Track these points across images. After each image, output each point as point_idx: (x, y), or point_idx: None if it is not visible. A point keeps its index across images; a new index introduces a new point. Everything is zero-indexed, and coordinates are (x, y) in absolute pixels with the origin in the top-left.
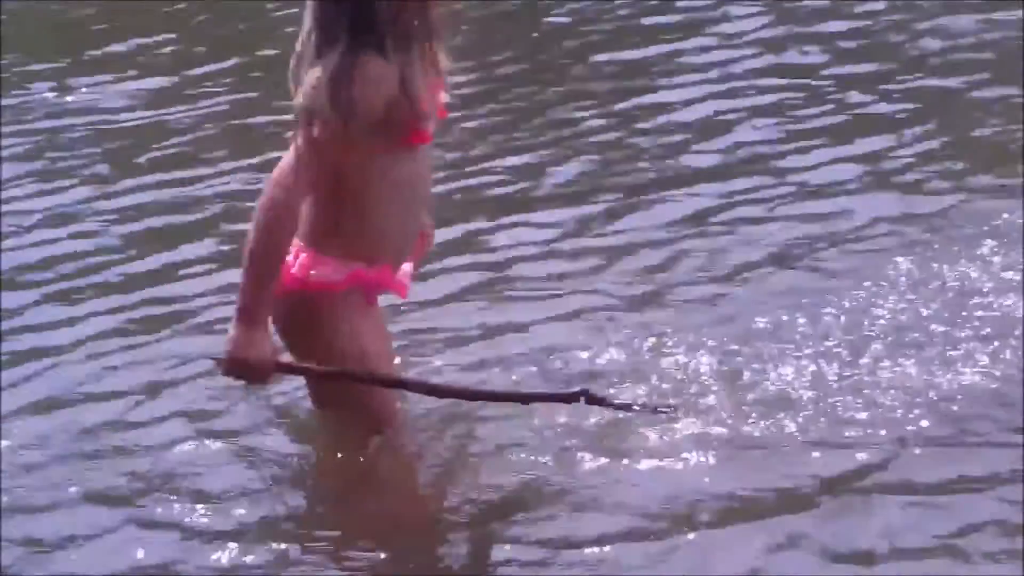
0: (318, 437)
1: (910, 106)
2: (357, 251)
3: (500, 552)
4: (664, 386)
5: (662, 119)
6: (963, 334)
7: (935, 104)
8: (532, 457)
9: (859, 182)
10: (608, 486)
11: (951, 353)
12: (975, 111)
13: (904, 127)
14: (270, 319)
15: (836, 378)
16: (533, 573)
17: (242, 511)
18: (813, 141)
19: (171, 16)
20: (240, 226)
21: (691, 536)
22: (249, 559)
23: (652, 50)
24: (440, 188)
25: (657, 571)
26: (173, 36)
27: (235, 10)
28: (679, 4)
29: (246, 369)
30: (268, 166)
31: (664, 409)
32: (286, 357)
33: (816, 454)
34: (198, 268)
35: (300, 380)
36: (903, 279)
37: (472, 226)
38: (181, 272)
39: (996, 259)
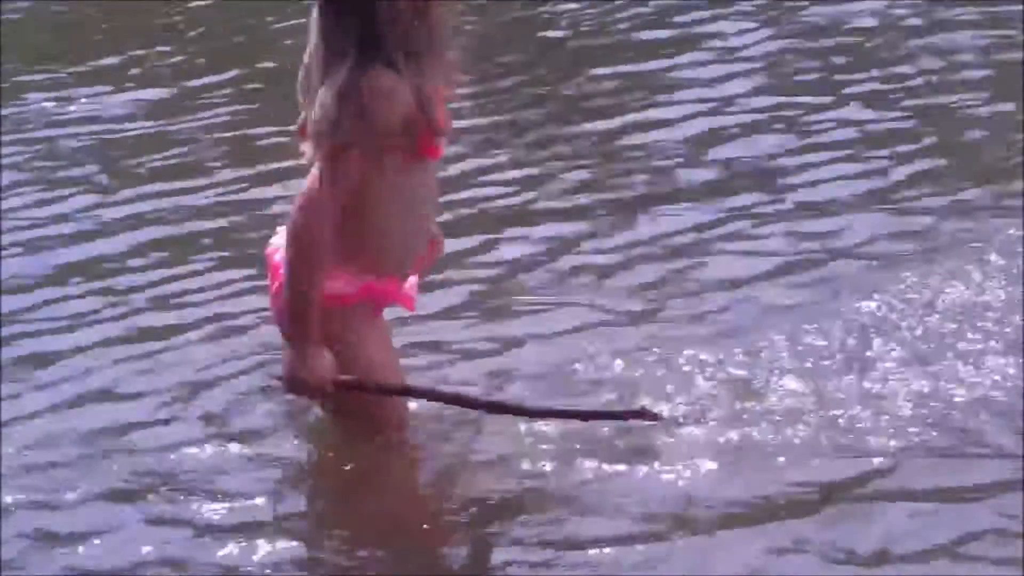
0: (323, 439)
1: (906, 122)
2: (367, 264)
3: (500, 553)
4: (667, 396)
5: (659, 133)
6: (964, 346)
7: (931, 120)
8: (533, 459)
9: (857, 197)
10: (609, 489)
11: (952, 364)
12: (971, 126)
13: (900, 143)
14: (278, 323)
15: (837, 388)
16: (533, 574)
17: (246, 510)
18: (810, 156)
19: (170, 27)
20: (240, 234)
21: (691, 539)
22: (253, 557)
23: (650, 64)
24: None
25: (658, 571)
26: (172, 47)
27: (234, 22)
28: (676, 19)
29: (305, 387)
30: (267, 177)
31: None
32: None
33: (816, 461)
34: (199, 277)
35: None
36: (902, 293)
37: (469, 239)
38: (181, 280)
39: (995, 273)
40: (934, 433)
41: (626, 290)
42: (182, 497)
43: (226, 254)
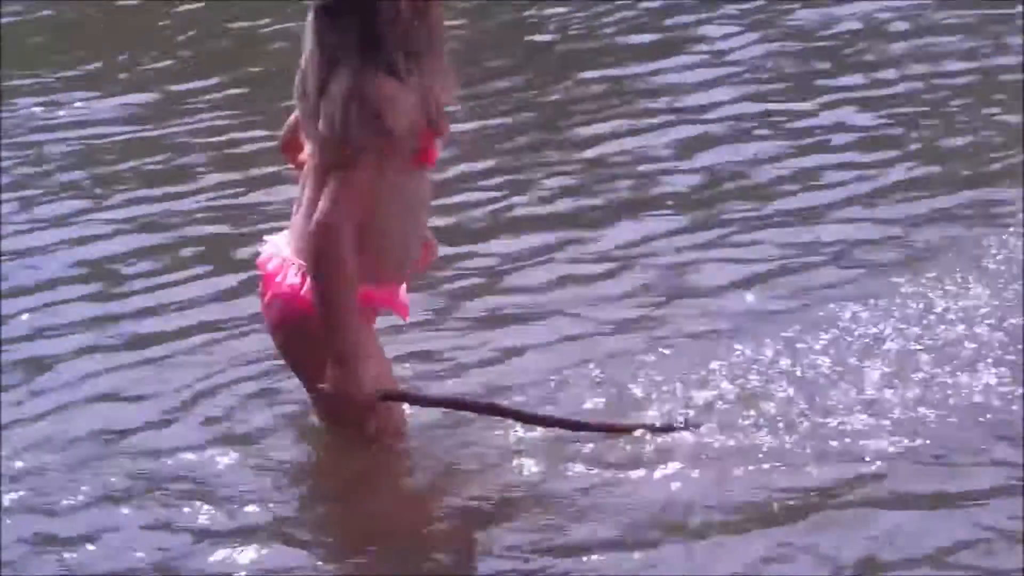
0: (320, 443)
1: (893, 127)
2: (365, 272)
3: (494, 558)
4: (657, 403)
5: (645, 138)
6: (958, 352)
7: (918, 125)
8: (527, 465)
9: (843, 202)
10: (601, 495)
11: (941, 370)
12: (958, 131)
13: (887, 148)
14: (272, 332)
15: (827, 394)
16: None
17: (244, 514)
18: (795, 162)
19: (160, 32)
20: (230, 239)
21: (682, 545)
22: (251, 561)
23: (636, 68)
24: None
25: (650, 575)
26: (161, 51)
27: (222, 25)
28: (663, 23)
29: (353, 401)
30: (257, 181)
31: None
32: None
33: (807, 467)
34: (191, 282)
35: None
36: (891, 298)
37: (454, 246)
38: (174, 285)
39: (983, 278)
40: (925, 440)
41: (613, 297)
42: (180, 500)
43: (216, 258)
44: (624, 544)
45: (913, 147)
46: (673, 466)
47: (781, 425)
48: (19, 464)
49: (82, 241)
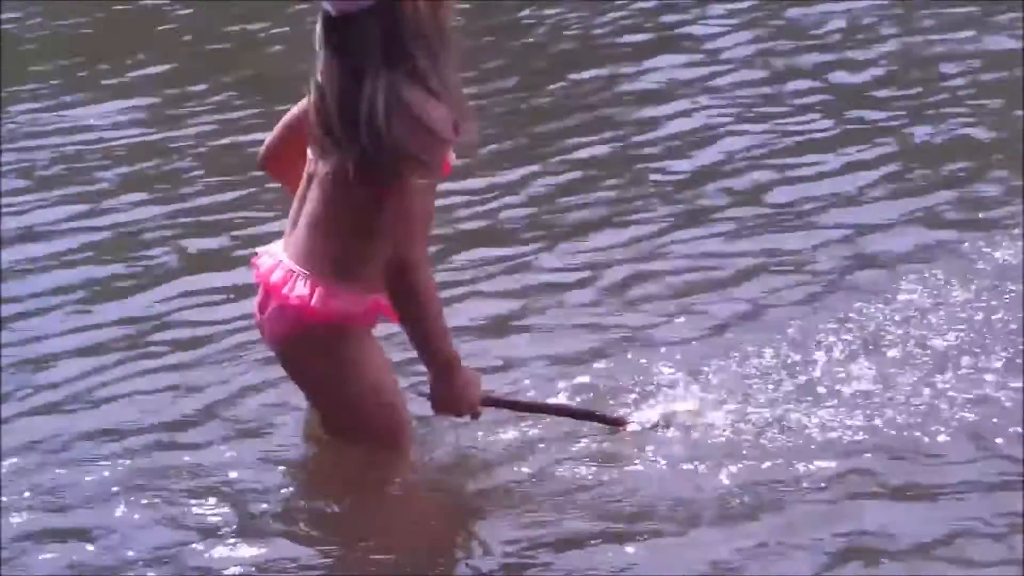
0: (320, 442)
1: (885, 124)
2: (378, 282)
3: (496, 551)
4: (648, 399)
5: (640, 136)
6: (949, 348)
7: (910, 122)
8: (529, 461)
9: (837, 198)
10: (599, 489)
11: (947, 366)
12: (949, 128)
13: (878, 145)
14: (276, 342)
15: (817, 389)
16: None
17: (244, 512)
18: (792, 159)
19: (159, 35)
20: (228, 241)
21: (665, 539)
22: (251, 558)
23: (629, 68)
24: None
25: (640, 570)
26: (158, 56)
27: (220, 30)
28: (658, 22)
29: (458, 409)
30: (256, 182)
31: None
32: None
33: (801, 462)
34: (189, 284)
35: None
36: (887, 294)
37: (445, 244)
38: (172, 286)
39: (977, 273)
40: (916, 432)
41: (608, 290)
42: (180, 499)
43: (214, 261)
44: (615, 537)
45: (903, 145)
46: (662, 462)
47: (768, 421)
48: (18, 461)
49: (84, 240)
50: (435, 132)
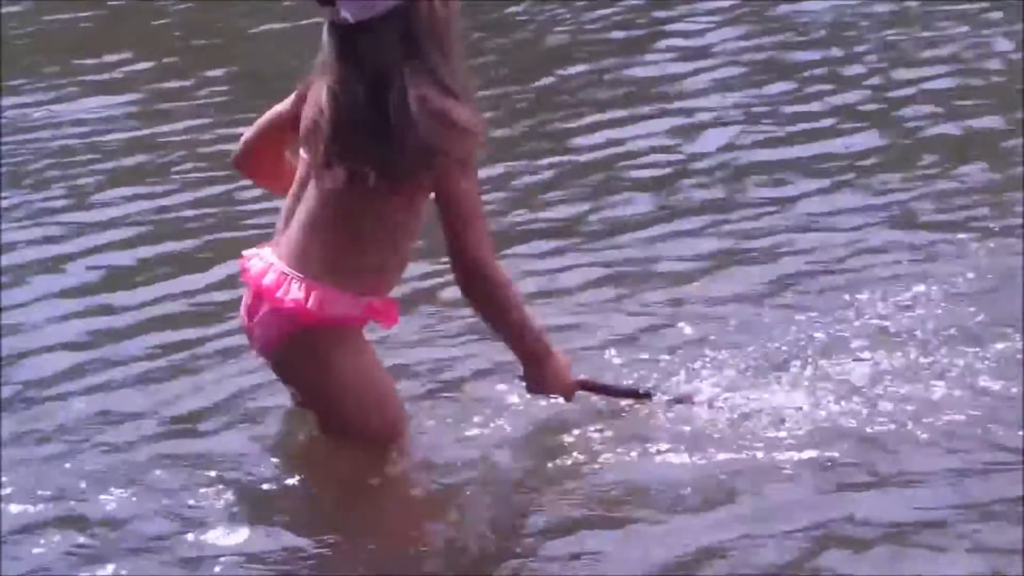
0: (316, 443)
1: (873, 119)
2: (373, 285)
3: (496, 549)
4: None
5: (626, 131)
6: (948, 339)
7: (897, 115)
8: (530, 458)
9: (822, 192)
10: (586, 479)
11: (938, 357)
12: (939, 121)
13: (868, 138)
14: (269, 346)
15: (814, 378)
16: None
17: (245, 509)
18: (780, 153)
19: (151, 31)
20: (223, 236)
21: (664, 523)
22: (249, 554)
23: (618, 62)
24: None
25: (624, 555)
26: (151, 52)
27: (214, 25)
28: (648, 18)
29: (554, 393)
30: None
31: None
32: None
33: (793, 448)
34: (184, 278)
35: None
36: (877, 287)
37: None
38: (167, 283)
39: (968, 270)
40: (907, 421)
41: (599, 289)
42: (176, 488)
43: (205, 256)
44: (604, 523)
45: (892, 139)
46: (648, 449)
47: (755, 409)
48: (17, 455)
49: (72, 240)
50: (466, 129)
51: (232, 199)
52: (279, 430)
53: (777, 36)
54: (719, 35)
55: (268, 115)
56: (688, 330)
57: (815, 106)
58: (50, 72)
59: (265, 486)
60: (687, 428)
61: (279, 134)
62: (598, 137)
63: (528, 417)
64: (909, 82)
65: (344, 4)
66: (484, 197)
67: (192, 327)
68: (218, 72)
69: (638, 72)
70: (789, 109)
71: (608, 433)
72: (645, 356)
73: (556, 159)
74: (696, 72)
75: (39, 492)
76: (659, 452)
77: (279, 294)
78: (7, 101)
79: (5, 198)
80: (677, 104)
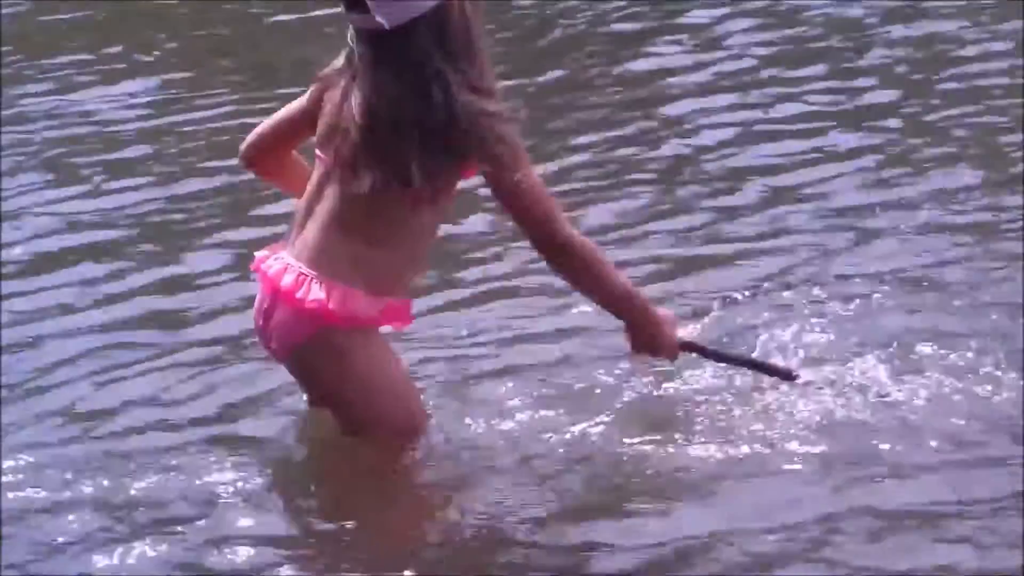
0: (322, 437)
1: (879, 106)
2: (391, 285)
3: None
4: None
5: (627, 126)
6: (950, 335)
7: (905, 105)
8: (532, 455)
9: (828, 184)
10: (586, 468)
11: (940, 351)
12: (946, 114)
13: (873, 131)
14: (288, 347)
15: (813, 372)
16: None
17: (247, 511)
18: (788, 146)
19: (161, 21)
20: (234, 225)
21: (658, 512)
22: (250, 558)
23: (625, 54)
24: None
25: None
26: (161, 41)
27: (228, 15)
28: (652, 11)
29: (660, 352)
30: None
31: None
32: None
33: (794, 441)
34: (194, 272)
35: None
36: (873, 283)
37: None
38: (176, 277)
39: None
40: (908, 416)
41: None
42: (180, 497)
43: (222, 244)
44: (602, 511)
45: (898, 132)
46: (648, 438)
47: (758, 401)
48: (18, 462)
49: (88, 227)
50: (507, 123)
51: (243, 188)
52: (294, 420)
53: (783, 31)
54: (726, 27)
55: (281, 114)
56: (689, 327)
57: (821, 100)
58: (63, 61)
59: (279, 474)
60: (688, 421)
61: (291, 134)
62: (603, 131)
63: (530, 415)
64: (911, 79)
65: (379, 10)
66: (483, 192)
67: (199, 317)
68: (233, 62)
69: (643, 65)
70: (793, 104)
71: (608, 429)
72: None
73: (562, 149)
74: (704, 64)
75: (53, 475)
76: (659, 445)
77: (299, 295)
78: (17, 90)
79: (13, 187)
80: (683, 94)
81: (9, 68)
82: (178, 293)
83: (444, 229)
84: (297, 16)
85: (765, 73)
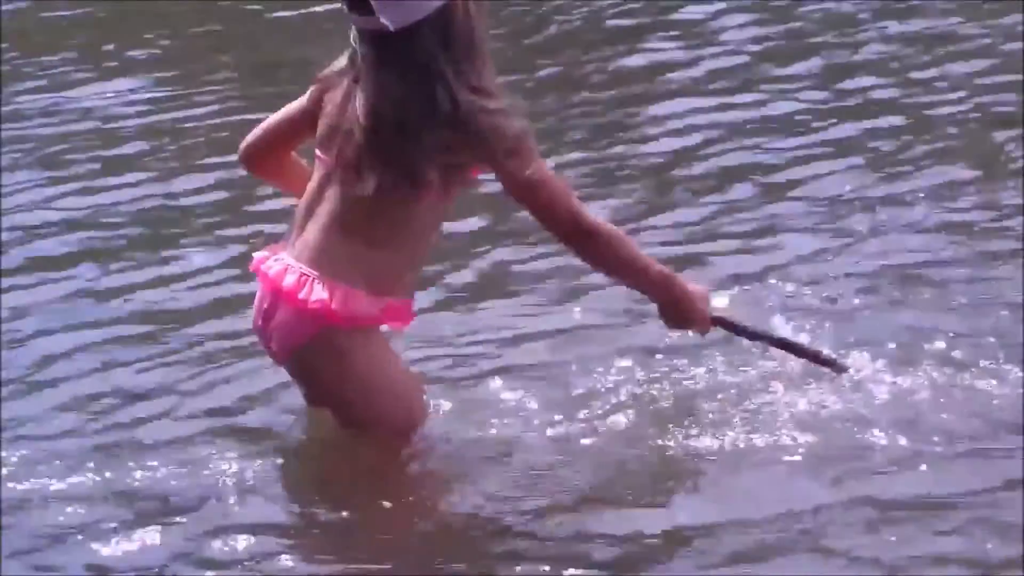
0: (323, 434)
1: (876, 103)
2: (392, 286)
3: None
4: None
5: (631, 119)
6: (948, 330)
7: (900, 102)
8: (532, 454)
9: (823, 178)
10: (582, 461)
11: (937, 346)
12: (945, 111)
13: (870, 127)
14: (290, 348)
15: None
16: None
17: (248, 508)
18: (779, 139)
19: (161, 17)
20: (232, 223)
21: (646, 503)
22: (251, 553)
23: (622, 49)
24: None
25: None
26: (162, 37)
27: (228, 12)
28: (654, 3)
29: (692, 325)
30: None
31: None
32: None
33: (787, 433)
34: (193, 268)
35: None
36: (872, 280)
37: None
38: (176, 273)
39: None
40: (909, 408)
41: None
42: (179, 495)
43: (221, 241)
44: (600, 502)
45: (895, 126)
46: (637, 430)
47: (753, 395)
48: (22, 454)
49: (86, 225)
50: (514, 121)
51: (241, 185)
52: (294, 414)
53: (777, 27)
54: (722, 23)
55: (280, 114)
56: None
57: (816, 96)
58: (62, 57)
59: (280, 465)
60: (685, 414)
61: (291, 135)
62: (597, 127)
63: (530, 414)
64: (911, 76)
65: (384, 12)
66: (482, 192)
67: (199, 311)
68: (233, 59)
69: (638, 61)
70: (788, 100)
71: (606, 424)
72: (646, 355)
73: (554, 148)
74: (699, 59)
75: (53, 466)
76: (656, 439)
77: (302, 295)
78: (16, 87)
79: (11, 183)
80: (678, 90)
81: (8, 65)
82: (176, 289)
83: (444, 228)
84: (297, 13)
85: (759, 69)
